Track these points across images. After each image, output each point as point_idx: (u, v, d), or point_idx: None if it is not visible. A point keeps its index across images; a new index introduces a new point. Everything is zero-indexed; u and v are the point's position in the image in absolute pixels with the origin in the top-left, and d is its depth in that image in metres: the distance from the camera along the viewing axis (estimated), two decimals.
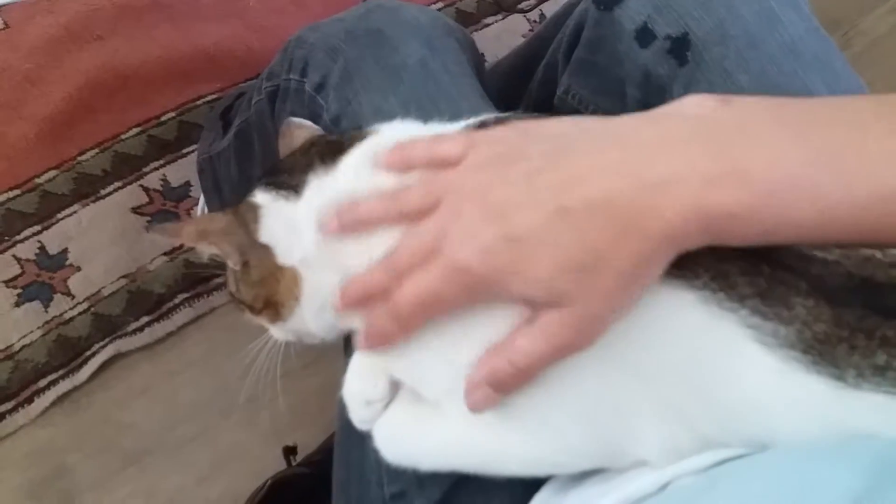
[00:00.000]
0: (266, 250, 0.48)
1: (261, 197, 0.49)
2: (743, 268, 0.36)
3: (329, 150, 0.49)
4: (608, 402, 0.40)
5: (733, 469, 0.37)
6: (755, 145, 0.35)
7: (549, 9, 1.34)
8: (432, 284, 0.39)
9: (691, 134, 0.37)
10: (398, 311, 0.41)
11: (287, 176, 0.49)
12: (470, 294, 0.39)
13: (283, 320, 0.49)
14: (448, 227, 0.40)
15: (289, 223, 0.47)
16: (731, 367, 0.36)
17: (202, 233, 0.49)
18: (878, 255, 0.36)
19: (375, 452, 0.47)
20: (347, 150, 0.48)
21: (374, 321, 0.43)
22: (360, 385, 0.49)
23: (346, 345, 0.52)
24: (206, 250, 0.50)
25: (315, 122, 0.61)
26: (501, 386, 0.40)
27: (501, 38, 1.28)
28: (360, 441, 0.49)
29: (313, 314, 0.48)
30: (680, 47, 0.57)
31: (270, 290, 0.48)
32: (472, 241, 0.38)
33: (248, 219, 0.48)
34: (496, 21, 1.31)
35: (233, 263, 0.50)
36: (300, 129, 0.56)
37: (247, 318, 0.52)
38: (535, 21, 1.33)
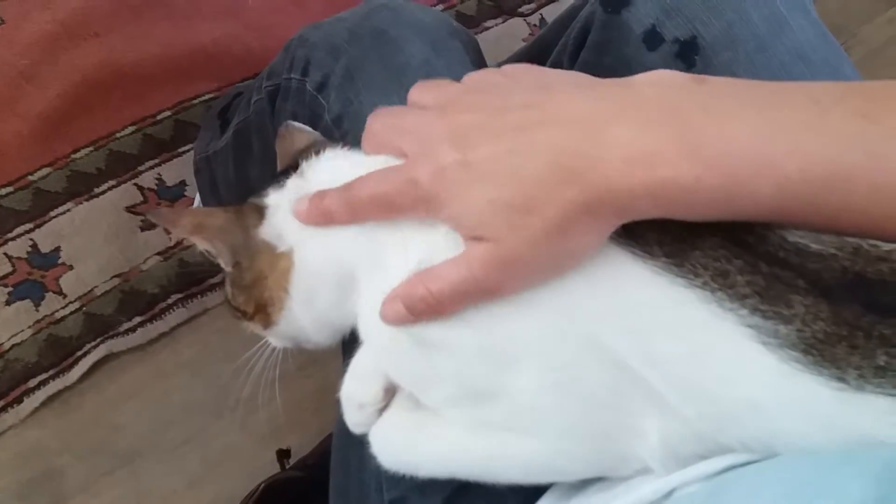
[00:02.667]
0: (260, 249, 0.47)
1: (273, 197, 0.48)
2: (741, 266, 0.36)
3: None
4: (609, 400, 0.39)
5: (740, 477, 0.36)
6: (713, 122, 0.36)
7: (550, 13, 1.35)
8: (387, 188, 0.41)
9: (655, 105, 0.37)
10: (351, 197, 0.43)
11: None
12: (415, 206, 0.41)
13: (274, 323, 0.49)
14: (417, 146, 0.41)
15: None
16: (730, 366, 0.36)
17: (198, 226, 0.49)
18: (865, 245, 0.35)
19: (374, 457, 0.47)
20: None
21: (326, 197, 0.44)
22: (355, 387, 0.48)
23: (344, 348, 0.52)
24: (199, 245, 0.49)
25: (316, 122, 0.60)
26: (414, 309, 0.40)
27: (501, 41, 1.28)
28: (359, 445, 0.49)
29: (304, 306, 0.47)
30: (688, 51, 0.56)
31: (260, 288, 0.48)
32: (432, 161, 0.39)
33: (249, 218, 0.47)
34: (496, 24, 1.31)
35: (224, 263, 0.49)
36: (300, 133, 0.55)
37: (243, 326, 0.52)
38: (535, 25, 1.33)
